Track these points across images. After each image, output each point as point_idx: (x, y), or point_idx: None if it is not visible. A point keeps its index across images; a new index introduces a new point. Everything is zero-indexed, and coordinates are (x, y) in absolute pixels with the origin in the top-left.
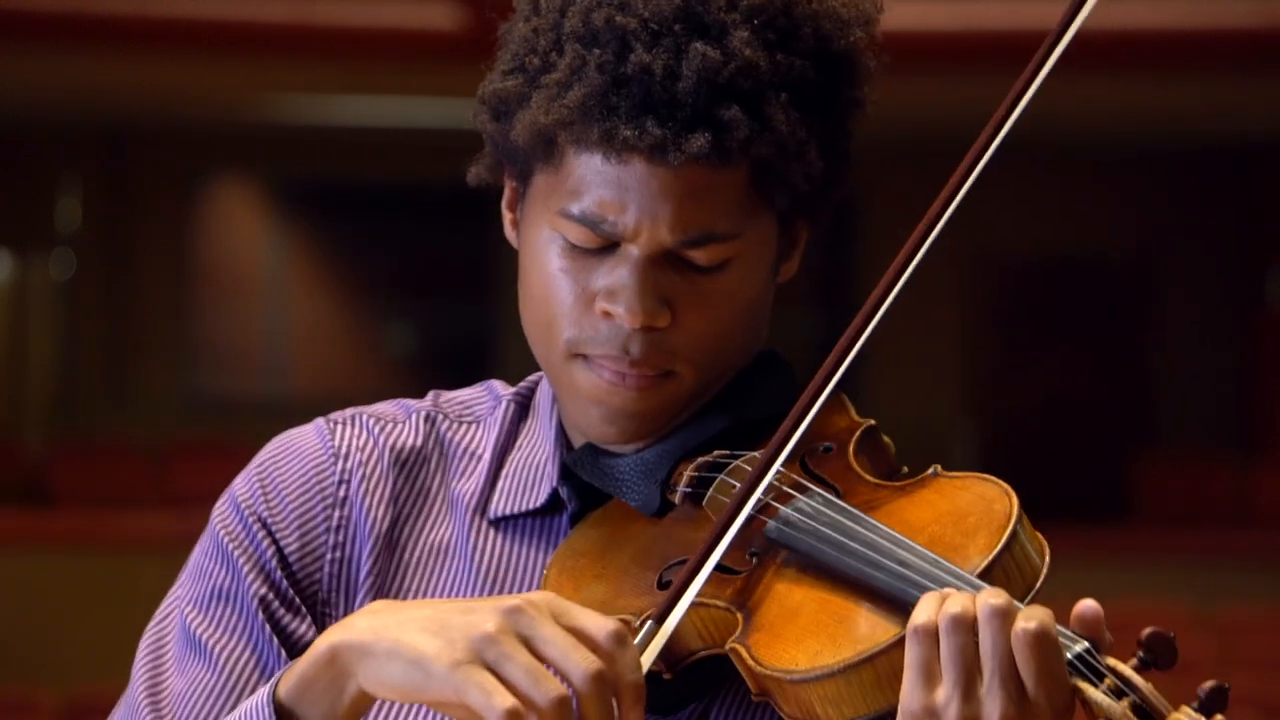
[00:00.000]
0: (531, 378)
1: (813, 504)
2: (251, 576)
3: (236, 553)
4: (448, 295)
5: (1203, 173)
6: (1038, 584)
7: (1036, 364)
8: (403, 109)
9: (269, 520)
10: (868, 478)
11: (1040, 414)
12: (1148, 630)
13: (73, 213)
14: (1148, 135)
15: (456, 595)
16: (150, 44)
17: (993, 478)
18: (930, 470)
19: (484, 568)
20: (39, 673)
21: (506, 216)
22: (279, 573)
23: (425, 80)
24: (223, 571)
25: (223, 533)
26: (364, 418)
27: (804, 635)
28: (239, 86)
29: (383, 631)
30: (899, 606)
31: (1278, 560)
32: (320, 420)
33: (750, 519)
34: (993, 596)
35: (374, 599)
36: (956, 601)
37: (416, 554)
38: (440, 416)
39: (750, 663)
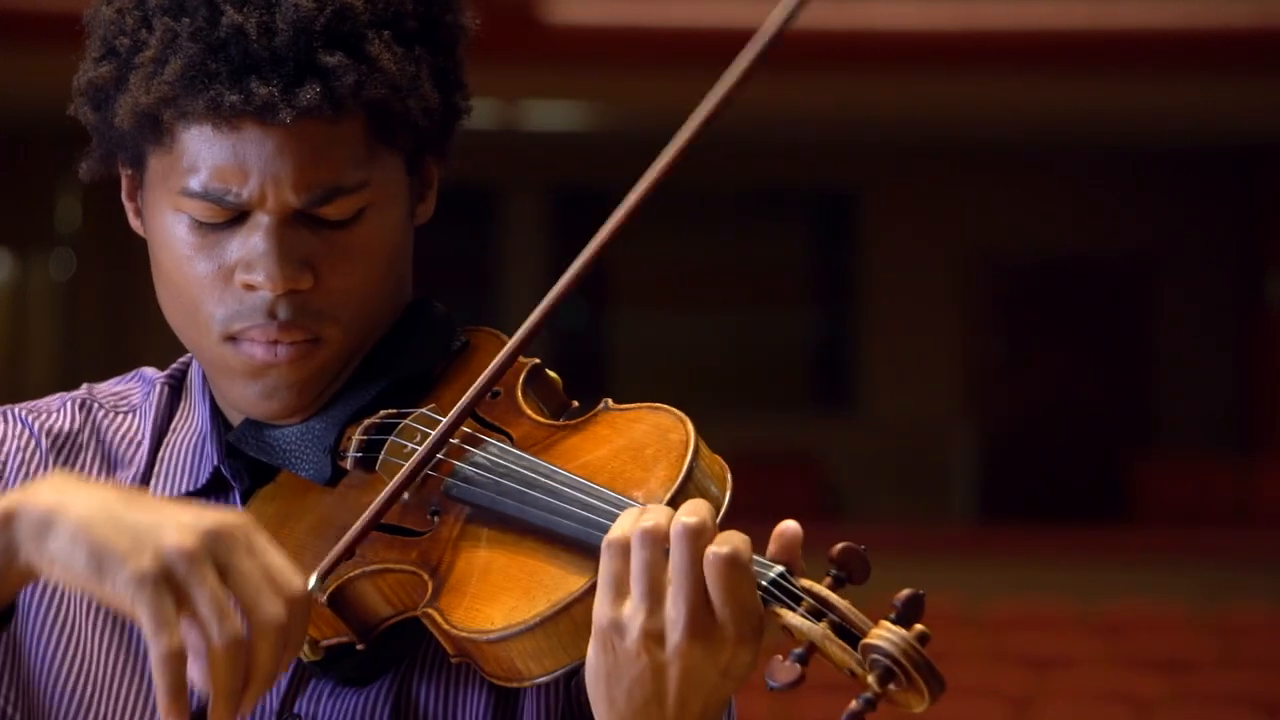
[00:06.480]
0: (184, 359)
1: (488, 456)
2: None
3: None
4: (447, 295)
5: (1203, 173)
6: (722, 510)
7: (1036, 364)
8: None
9: None
10: (539, 419)
11: (1041, 414)
12: (838, 546)
13: (73, 213)
14: (1148, 135)
15: None
16: None
17: (665, 406)
18: (601, 405)
19: None
20: None
21: (128, 207)
22: None
23: None
24: None
25: None
26: (15, 410)
27: (496, 593)
28: None
29: (70, 509)
30: (588, 552)
31: (1278, 560)
32: None
33: (425, 478)
34: (688, 515)
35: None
36: (651, 516)
37: None
38: (95, 405)
39: (445, 626)
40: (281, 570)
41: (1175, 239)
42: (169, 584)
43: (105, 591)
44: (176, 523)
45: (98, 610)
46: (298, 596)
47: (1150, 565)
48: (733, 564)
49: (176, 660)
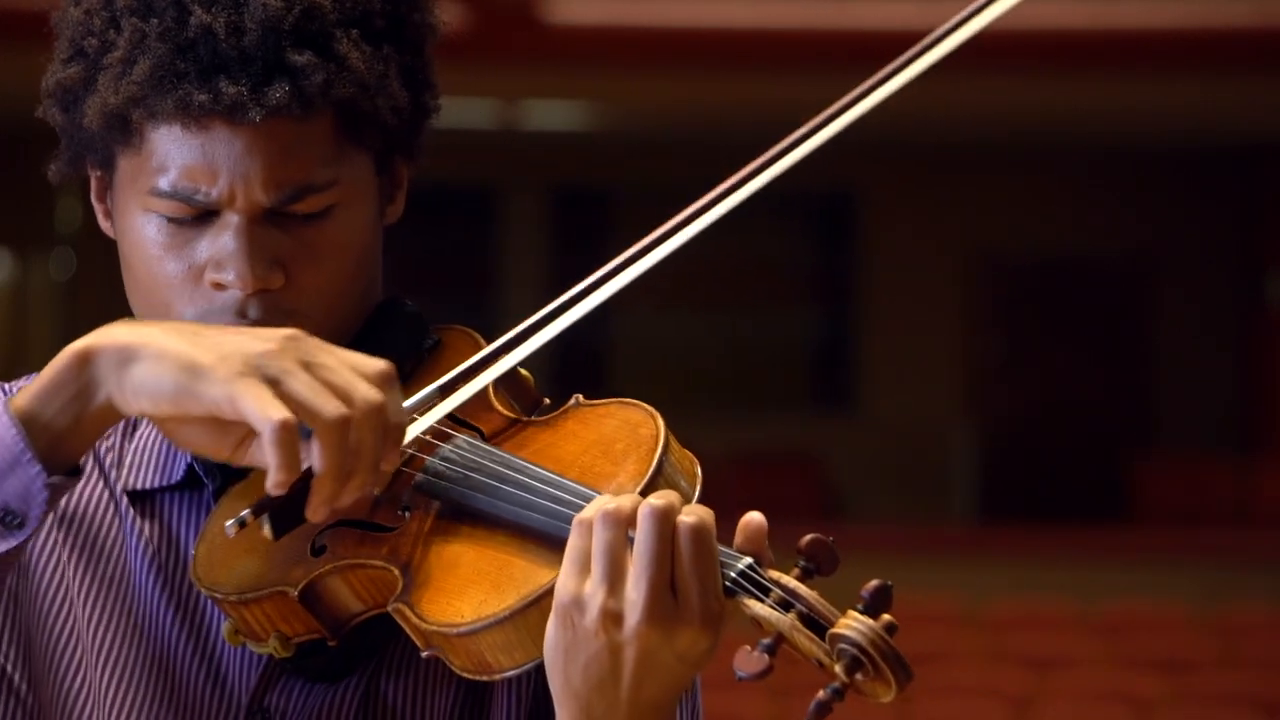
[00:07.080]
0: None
1: (458, 451)
2: None
3: None
4: (448, 295)
5: (1203, 173)
6: (692, 502)
7: (1036, 364)
8: None
9: None
10: (510, 414)
11: (1041, 414)
12: (807, 537)
13: (73, 213)
14: (1148, 135)
15: (118, 560)
16: None
17: (636, 401)
18: (572, 401)
19: (143, 538)
20: None
21: (98, 208)
22: None
23: None
24: None
25: None
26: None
27: (466, 586)
28: None
29: (150, 339)
30: (557, 545)
31: (1279, 560)
32: None
33: (396, 474)
34: (655, 499)
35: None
36: (616, 499)
37: (51, 531)
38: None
39: (415, 620)
40: (362, 359)
41: (1175, 239)
42: (264, 376)
43: (198, 403)
44: (254, 335)
45: (94, 593)
46: (386, 373)
47: (1150, 565)
48: (699, 532)
49: (289, 431)
